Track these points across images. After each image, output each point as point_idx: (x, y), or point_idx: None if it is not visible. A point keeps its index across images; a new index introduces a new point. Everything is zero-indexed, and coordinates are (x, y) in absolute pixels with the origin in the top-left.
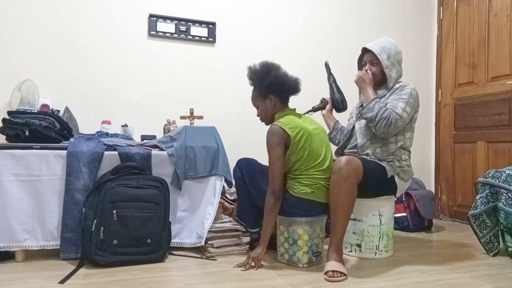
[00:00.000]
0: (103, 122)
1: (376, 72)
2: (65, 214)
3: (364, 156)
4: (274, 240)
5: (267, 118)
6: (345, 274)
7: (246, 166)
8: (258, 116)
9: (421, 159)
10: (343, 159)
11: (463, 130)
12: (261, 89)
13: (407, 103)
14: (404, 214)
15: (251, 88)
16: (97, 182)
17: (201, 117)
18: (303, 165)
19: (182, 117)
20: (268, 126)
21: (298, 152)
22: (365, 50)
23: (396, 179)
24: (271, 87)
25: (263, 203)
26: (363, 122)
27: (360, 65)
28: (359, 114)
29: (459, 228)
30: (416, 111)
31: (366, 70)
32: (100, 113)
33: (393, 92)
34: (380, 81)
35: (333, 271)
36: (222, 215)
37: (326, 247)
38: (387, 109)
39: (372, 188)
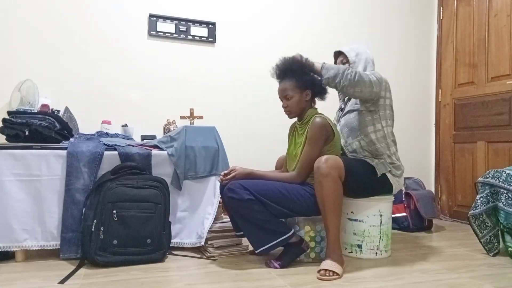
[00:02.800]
0: (103, 122)
1: None
2: (65, 214)
3: (354, 154)
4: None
5: (297, 111)
6: (337, 274)
7: (249, 184)
8: (285, 107)
9: (421, 159)
10: (322, 158)
11: (463, 130)
12: (302, 81)
13: (373, 73)
14: (404, 214)
15: (252, 87)
16: (97, 182)
17: (201, 117)
18: None
19: (182, 117)
20: (315, 119)
21: (332, 149)
22: (337, 54)
23: (390, 176)
24: (313, 81)
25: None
26: (342, 122)
27: None
28: (341, 112)
29: (459, 228)
30: (388, 97)
31: None
32: (100, 113)
33: None
34: None
35: (325, 270)
36: (222, 215)
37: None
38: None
39: (362, 187)
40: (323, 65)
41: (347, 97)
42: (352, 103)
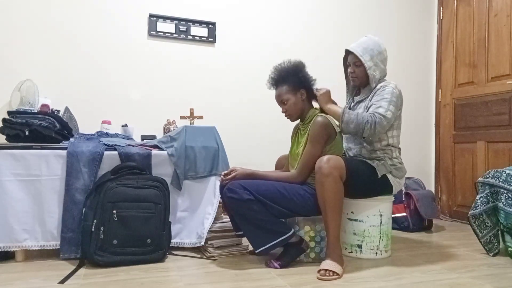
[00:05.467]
0: (103, 122)
1: (361, 73)
2: (65, 214)
3: (355, 158)
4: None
5: (296, 112)
6: (337, 274)
7: (249, 184)
8: (284, 112)
9: (421, 159)
10: (324, 158)
11: (463, 130)
12: (293, 83)
13: (390, 101)
14: (404, 214)
15: (252, 87)
16: (97, 182)
17: (201, 117)
18: None
19: (182, 117)
20: (316, 119)
21: (333, 149)
22: (348, 51)
23: (390, 177)
24: (304, 81)
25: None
26: None
27: (345, 66)
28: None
29: (459, 228)
30: (400, 108)
31: (350, 72)
32: (100, 113)
33: (375, 93)
34: (366, 82)
35: (325, 270)
36: (222, 215)
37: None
38: (364, 114)
39: (362, 188)
40: (343, 117)
41: (355, 98)
42: (361, 109)
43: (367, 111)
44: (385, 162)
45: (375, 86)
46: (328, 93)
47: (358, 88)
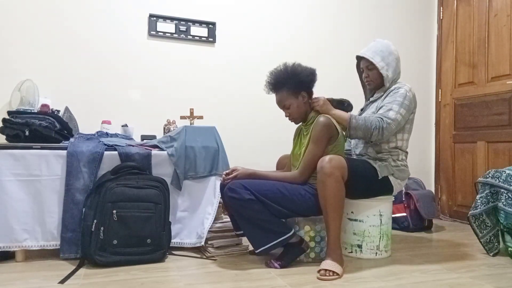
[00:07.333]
0: (103, 122)
1: (374, 76)
2: (65, 214)
3: (360, 156)
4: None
5: (300, 115)
6: (337, 274)
7: (250, 184)
8: (288, 116)
9: (421, 159)
10: (326, 158)
11: (463, 130)
12: (293, 87)
13: (401, 105)
14: (404, 214)
15: (252, 87)
16: (97, 182)
17: (201, 117)
18: None
19: (182, 117)
20: (312, 119)
21: (335, 149)
22: (360, 58)
23: (391, 178)
24: (303, 84)
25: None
26: None
27: (359, 72)
28: (361, 112)
29: (459, 228)
30: (412, 112)
31: (365, 76)
32: (100, 113)
33: (388, 94)
34: (381, 84)
35: (325, 270)
36: (222, 215)
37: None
38: (372, 118)
39: (363, 188)
40: (350, 124)
41: (370, 100)
42: (373, 108)
43: (377, 111)
44: (387, 164)
45: (389, 87)
46: (326, 101)
47: (374, 91)
